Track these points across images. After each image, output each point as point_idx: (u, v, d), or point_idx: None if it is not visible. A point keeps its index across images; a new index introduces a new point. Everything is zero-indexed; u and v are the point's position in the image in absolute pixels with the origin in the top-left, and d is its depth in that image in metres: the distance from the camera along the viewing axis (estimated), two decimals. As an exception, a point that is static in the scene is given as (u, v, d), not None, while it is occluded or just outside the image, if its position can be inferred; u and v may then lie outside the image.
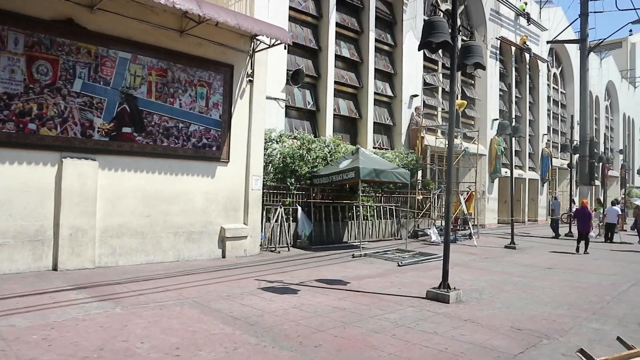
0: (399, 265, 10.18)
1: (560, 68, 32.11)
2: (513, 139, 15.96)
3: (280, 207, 11.79)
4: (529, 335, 5.50)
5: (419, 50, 6.58)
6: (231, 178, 10.41)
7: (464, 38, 20.95)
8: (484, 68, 6.90)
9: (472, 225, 16.77)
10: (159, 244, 9.23)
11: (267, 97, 12.50)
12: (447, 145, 16.12)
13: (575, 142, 21.84)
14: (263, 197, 11.61)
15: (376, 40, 17.41)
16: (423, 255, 11.57)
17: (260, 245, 11.24)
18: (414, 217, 16.47)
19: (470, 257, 12.34)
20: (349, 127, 16.99)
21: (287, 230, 12.13)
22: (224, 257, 10.19)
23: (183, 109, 9.70)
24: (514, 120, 16.58)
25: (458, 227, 16.97)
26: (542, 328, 5.82)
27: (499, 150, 21.85)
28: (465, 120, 21.04)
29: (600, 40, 20.22)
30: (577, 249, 14.30)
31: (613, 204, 19.27)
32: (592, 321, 6.30)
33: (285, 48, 10.51)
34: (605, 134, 38.23)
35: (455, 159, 16.69)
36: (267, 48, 10.66)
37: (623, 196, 36.26)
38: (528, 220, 25.91)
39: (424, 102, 18.88)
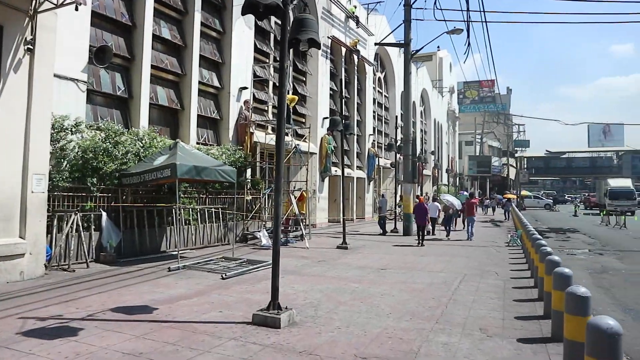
0: (222, 278, 8.73)
1: (384, 73, 33.85)
2: (343, 137, 15.65)
3: (77, 214, 9.47)
4: (375, 367, 4.54)
5: (243, 14, 5.26)
6: None
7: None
8: (318, 46, 5.85)
9: (304, 225, 16.11)
10: None
11: (60, 76, 10.08)
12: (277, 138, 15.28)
13: (399, 142, 22.81)
14: (52, 201, 9.22)
15: (202, 24, 15.70)
16: (252, 263, 10.31)
17: (48, 264, 8.84)
18: (243, 219, 15.19)
19: (302, 261, 11.46)
20: (169, 119, 14.98)
21: (87, 242, 9.83)
22: (-12, 282, 7.63)
23: None
24: (344, 118, 16.32)
25: (289, 229, 16.16)
26: (389, 353, 4.94)
27: (329, 148, 21.76)
28: (297, 118, 20.43)
29: (420, 47, 21.37)
30: (419, 243, 15.61)
31: (434, 199, 20.40)
32: (438, 333, 5.69)
33: (76, 9, 8.26)
34: (421, 136, 41.73)
35: (285, 157, 15.83)
36: (54, 8, 8.34)
37: (435, 193, 39.95)
38: (356, 218, 26.55)
39: (253, 95, 17.70)
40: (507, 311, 6.89)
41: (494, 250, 14.79)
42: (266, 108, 18.84)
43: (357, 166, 27.13)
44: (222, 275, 8.88)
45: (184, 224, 12.63)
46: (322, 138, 21.81)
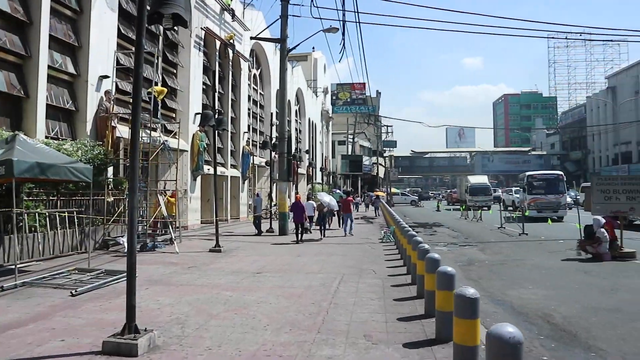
0: (72, 295, 7.47)
1: (259, 70, 33.24)
2: (216, 133, 14.76)
3: None
4: (251, 400, 3.92)
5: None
6: None
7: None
8: (185, 24, 5.07)
9: (175, 228, 14.91)
10: None
11: None
12: (138, 132, 13.91)
13: (274, 140, 22.40)
14: None
15: None
16: (111, 274, 9.08)
17: None
18: (104, 223, 13.58)
19: (171, 268, 10.45)
20: (10, 108, 12.81)
21: None
22: None
23: None
24: (217, 113, 15.44)
25: (158, 232, 14.85)
26: (264, 379, 4.36)
27: (201, 145, 20.59)
28: (166, 112, 18.97)
29: (297, 44, 21.18)
30: (297, 241, 15.98)
31: (308, 198, 20.29)
32: (321, 345, 5.25)
33: None
34: (296, 135, 41.82)
35: (152, 154, 14.50)
36: None
37: (309, 191, 40.37)
38: (231, 218, 25.62)
39: (116, 85, 15.98)
40: (389, 312, 6.71)
41: (368, 247, 14.98)
42: (131, 100, 17.17)
43: (231, 164, 26.19)
44: (71, 292, 7.60)
45: (28, 231, 10.81)
46: (193, 134, 20.56)
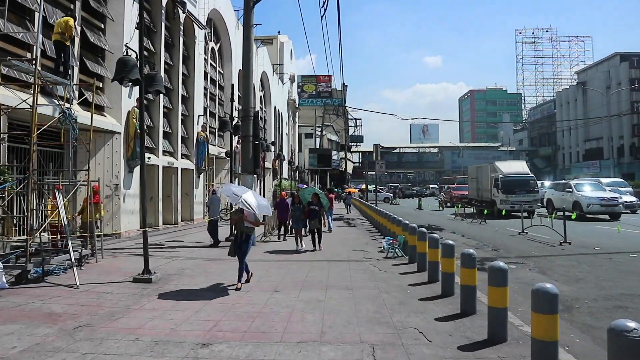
0: None
1: (218, 45, 28.21)
2: (142, 93, 9.92)
3: None
4: None
5: None
6: None
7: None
8: None
9: (89, 241, 10.02)
10: None
11: None
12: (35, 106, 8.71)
13: (236, 120, 17.57)
14: None
15: None
16: None
17: None
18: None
19: (35, 334, 5.64)
20: None
21: None
22: None
23: None
24: (146, 66, 10.58)
25: (58, 246, 9.86)
26: None
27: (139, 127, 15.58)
28: (85, 78, 13.80)
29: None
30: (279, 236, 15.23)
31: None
32: None
33: None
34: (262, 125, 36.92)
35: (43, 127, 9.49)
36: None
37: (276, 187, 35.78)
38: (182, 221, 20.64)
39: None
40: None
41: (375, 268, 10.37)
42: (29, 56, 11.99)
43: (182, 154, 21.14)
44: None
45: None
46: (129, 112, 15.51)
